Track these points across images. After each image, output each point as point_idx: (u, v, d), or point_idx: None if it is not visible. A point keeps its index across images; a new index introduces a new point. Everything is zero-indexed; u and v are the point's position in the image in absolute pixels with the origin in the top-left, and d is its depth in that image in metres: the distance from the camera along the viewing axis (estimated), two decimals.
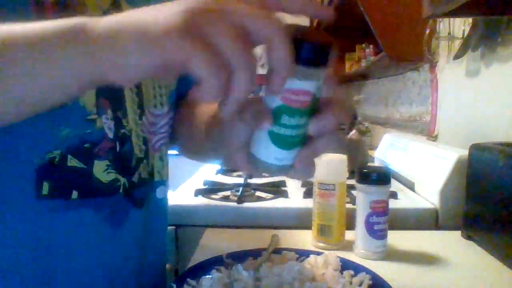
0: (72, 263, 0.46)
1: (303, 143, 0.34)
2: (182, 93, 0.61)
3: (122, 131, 0.48)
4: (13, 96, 0.31)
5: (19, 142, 0.41)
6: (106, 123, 0.46)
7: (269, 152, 0.34)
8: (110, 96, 0.47)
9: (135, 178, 0.51)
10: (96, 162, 0.46)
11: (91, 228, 0.47)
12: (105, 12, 0.44)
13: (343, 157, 0.71)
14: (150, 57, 0.28)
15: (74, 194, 0.45)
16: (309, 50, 0.29)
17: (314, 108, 0.32)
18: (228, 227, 0.83)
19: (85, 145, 0.45)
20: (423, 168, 1.01)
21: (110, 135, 0.47)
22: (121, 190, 0.49)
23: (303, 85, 0.31)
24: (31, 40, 0.30)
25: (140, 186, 0.52)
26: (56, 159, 0.43)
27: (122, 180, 0.49)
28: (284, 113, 0.32)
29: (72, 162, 0.44)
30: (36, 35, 0.30)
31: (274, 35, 0.27)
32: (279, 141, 0.33)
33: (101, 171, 0.47)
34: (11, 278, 0.43)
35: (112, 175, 0.48)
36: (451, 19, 1.03)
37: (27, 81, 0.30)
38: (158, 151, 0.56)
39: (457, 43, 1.02)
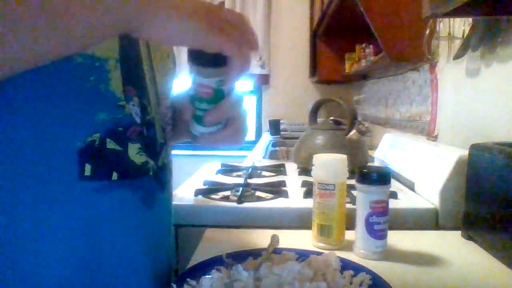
0: (115, 244, 0.49)
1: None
2: None
3: (147, 117, 0.52)
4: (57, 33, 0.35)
5: (61, 126, 0.44)
6: (133, 109, 0.49)
7: (195, 128, 0.51)
8: (135, 85, 0.50)
9: (159, 162, 0.55)
10: (130, 144, 0.49)
11: (130, 209, 0.50)
12: None
13: (343, 157, 0.71)
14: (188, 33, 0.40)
15: (114, 175, 0.47)
16: (203, 56, 0.43)
17: (219, 96, 0.47)
18: (228, 227, 0.83)
19: (119, 129, 0.47)
20: (423, 168, 1.01)
21: (138, 120, 0.50)
22: (151, 172, 0.52)
23: (203, 81, 0.46)
24: None
25: (163, 170, 0.56)
26: (96, 142, 0.45)
27: (151, 162, 0.52)
28: (196, 100, 0.48)
29: (111, 145, 0.47)
30: None
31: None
32: (197, 119, 0.50)
33: (135, 153, 0.50)
34: (58, 259, 0.44)
35: (143, 158, 0.51)
36: (451, 19, 1.03)
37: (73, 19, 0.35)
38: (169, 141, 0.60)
39: (457, 43, 1.02)
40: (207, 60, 0.44)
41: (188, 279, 0.54)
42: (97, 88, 0.45)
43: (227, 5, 3.11)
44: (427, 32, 1.11)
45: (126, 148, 0.48)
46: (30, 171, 0.42)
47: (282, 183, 1.11)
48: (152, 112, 0.53)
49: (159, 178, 0.54)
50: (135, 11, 0.38)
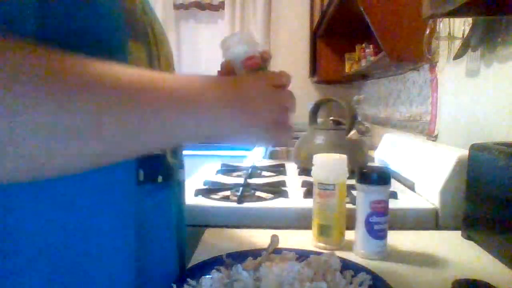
0: (160, 240, 0.52)
1: None
2: None
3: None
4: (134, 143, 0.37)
5: None
6: None
7: None
8: None
9: (181, 162, 0.59)
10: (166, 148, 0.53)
11: (169, 207, 0.55)
12: None
13: (343, 157, 0.71)
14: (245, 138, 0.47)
15: (160, 178, 0.51)
16: None
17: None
18: (228, 227, 0.83)
19: None
20: (423, 168, 1.01)
21: None
22: (178, 173, 0.57)
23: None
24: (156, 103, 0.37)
25: (180, 169, 0.59)
26: None
27: (178, 163, 0.57)
28: None
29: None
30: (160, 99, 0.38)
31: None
32: None
33: (170, 156, 0.53)
34: (117, 261, 0.45)
35: (175, 160, 0.55)
36: (451, 19, 1.03)
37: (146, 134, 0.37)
38: None
39: (457, 43, 1.02)
40: None
41: (188, 279, 0.54)
42: None
43: (227, 5, 3.10)
44: (427, 32, 1.11)
45: (165, 152, 0.52)
46: (90, 180, 0.42)
47: (282, 183, 1.11)
48: None
49: (178, 177, 0.58)
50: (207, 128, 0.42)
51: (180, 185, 0.60)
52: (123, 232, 0.45)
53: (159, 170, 0.51)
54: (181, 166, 0.59)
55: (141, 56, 0.48)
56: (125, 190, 0.45)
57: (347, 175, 0.71)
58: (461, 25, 1.00)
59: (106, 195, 0.43)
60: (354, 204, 0.71)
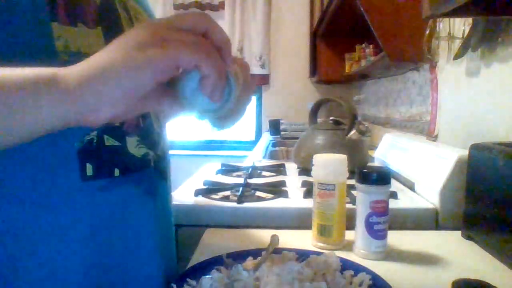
0: (125, 240, 0.48)
1: None
2: None
3: None
4: None
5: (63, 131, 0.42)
6: None
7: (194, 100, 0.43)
8: None
9: (159, 151, 0.54)
10: (127, 138, 0.48)
11: (135, 203, 0.50)
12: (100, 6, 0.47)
13: (343, 157, 0.71)
14: (137, 79, 0.34)
15: (116, 172, 0.47)
16: None
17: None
18: (228, 227, 0.83)
19: (115, 124, 0.47)
20: (423, 168, 1.01)
21: None
22: (152, 163, 0.52)
23: None
24: (9, 89, 0.33)
25: (162, 159, 0.55)
26: (94, 140, 0.45)
27: (151, 153, 0.52)
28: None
29: (109, 141, 0.46)
30: (14, 85, 0.33)
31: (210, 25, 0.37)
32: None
33: (134, 146, 0.49)
34: (67, 264, 0.44)
35: (143, 150, 0.50)
36: (451, 19, 1.03)
37: (6, 123, 0.33)
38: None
39: (457, 43, 1.02)
40: None
41: (188, 279, 0.54)
42: None
43: (227, 5, 3.11)
44: (427, 32, 1.11)
45: (125, 142, 0.48)
46: (32, 178, 0.41)
47: (282, 183, 1.11)
48: None
49: (159, 168, 0.54)
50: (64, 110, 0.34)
51: (160, 179, 0.55)
52: (73, 230, 0.44)
53: (115, 163, 0.47)
54: (163, 156, 0.56)
55: (97, 42, 0.45)
56: (68, 186, 0.43)
57: (347, 175, 0.71)
58: (461, 25, 1.00)
59: (50, 194, 0.42)
60: (354, 204, 0.71)
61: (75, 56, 0.42)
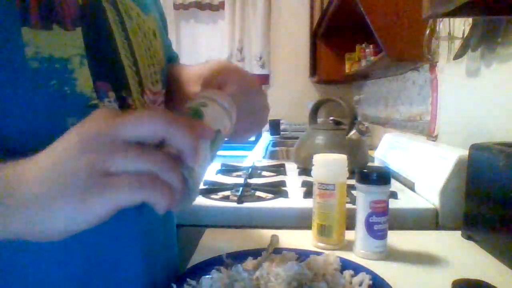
0: (109, 252, 0.47)
1: None
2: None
3: (129, 110, 0.48)
4: None
5: (34, 142, 0.39)
6: (109, 106, 0.45)
7: None
8: (110, 77, 0.46)
9: None
10: None
11: (119, 214, 0.47)
12: (82, 7, 0.45)
13: (343, 157, 0.71)
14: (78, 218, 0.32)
15: None
16: None
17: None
18: (228, 227, 0.83)
19: None
20: (423, 168, 1.01)
21: None
22: None
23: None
24: None
25: None
26: None
27: None
28: None
29: None
30: None
31: (170, 133, 0.33)
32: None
33: None
34: (51, 274, 0.43)
35: None
36: (451, 19, 1.03)
37: None
38: None
39: (457, 43, 1.02)
40: None
41: (188, 279, 0.54)
42: (62, 92, 0.41)
43: (227, 5, 3.10)
44: (427, 32, 1.11)
45: None
46: None
47: (282, 183, 1.11)
48: (136, 103, 0.49)
49: None
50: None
51: None
52: (56, 245, 0.41)
53: None
54: None
55: (74, 44, 0.43)
56: None
57: (347, 175, 0.71)
58: (461, 25, 1.00)
59: None
60: (354, 204, 0.71)
61: (47, 62, 0.40)
